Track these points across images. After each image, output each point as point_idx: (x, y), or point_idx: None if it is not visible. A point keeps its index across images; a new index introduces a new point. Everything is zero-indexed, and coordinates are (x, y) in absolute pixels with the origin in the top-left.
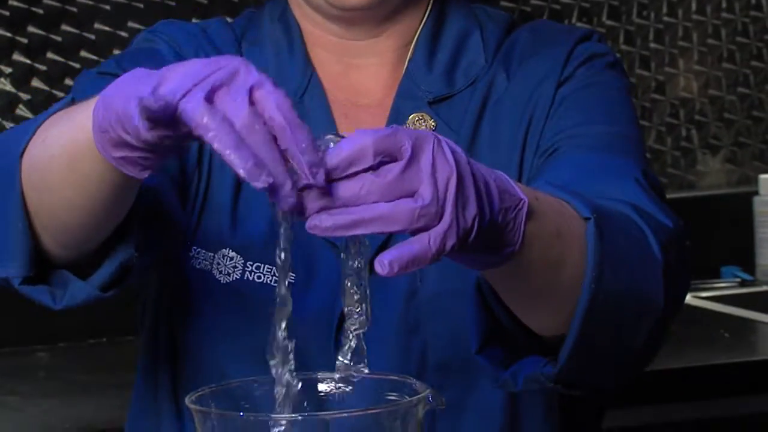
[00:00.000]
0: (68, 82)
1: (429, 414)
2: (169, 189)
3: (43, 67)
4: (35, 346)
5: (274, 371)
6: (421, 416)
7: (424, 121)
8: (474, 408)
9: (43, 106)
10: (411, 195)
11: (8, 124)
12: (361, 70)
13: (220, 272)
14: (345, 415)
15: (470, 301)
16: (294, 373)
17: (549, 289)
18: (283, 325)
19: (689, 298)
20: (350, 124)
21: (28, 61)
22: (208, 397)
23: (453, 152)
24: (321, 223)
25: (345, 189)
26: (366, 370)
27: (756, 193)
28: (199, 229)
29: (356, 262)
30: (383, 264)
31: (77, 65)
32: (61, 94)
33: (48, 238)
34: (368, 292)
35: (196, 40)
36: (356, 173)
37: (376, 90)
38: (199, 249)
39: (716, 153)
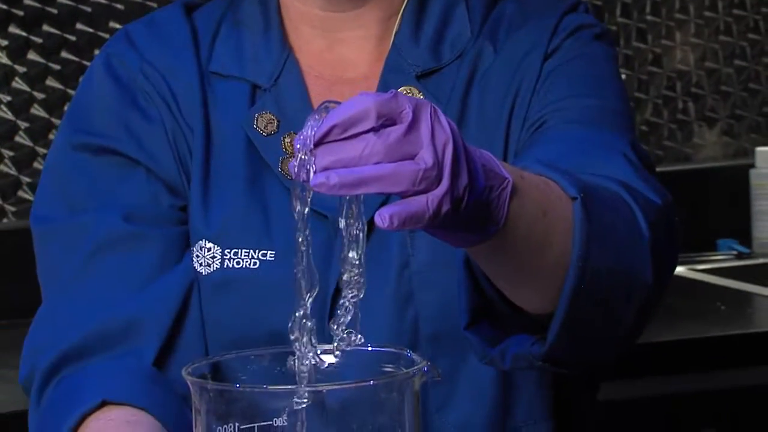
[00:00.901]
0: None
1: (422, 385)
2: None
3: (57, 67)
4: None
5: (297, 348)
6: (417, 388)
7: (412, 95)
8: (466, 379)
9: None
10: (411, 158)
11: (22, 124)
12: (346, 44)
13: (201, 264)
14: (341, 387)
15: (459, 277)
16: (317, 351)
17: (535, 267)
18: (309, 300)
19: (685, 271)
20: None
21: (43, 60)
22: (204, 369)
23: (448, 122)
24: (328, 180)
25: (349, 149)
26: (362, 340)
27: (752, 165)
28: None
29: (355, 228)
30: (383, 217)
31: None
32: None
33: None
34: (364, 259)
35: (151, 44)
36: (357, 135)
37: (362, 63)
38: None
39: (713, 125)
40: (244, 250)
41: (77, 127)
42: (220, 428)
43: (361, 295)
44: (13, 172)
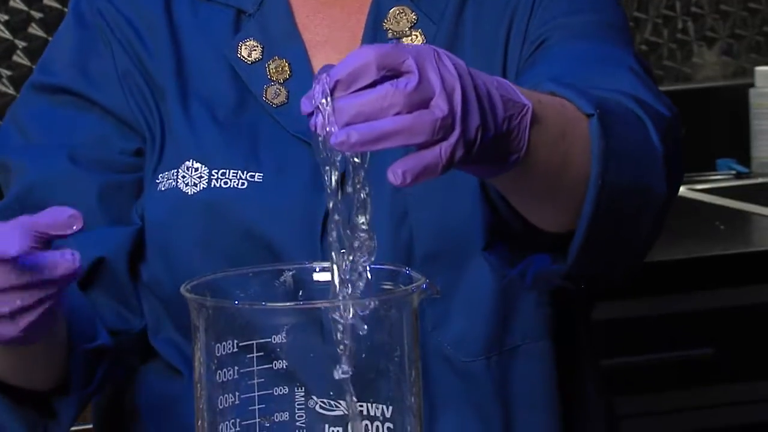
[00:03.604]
0: None
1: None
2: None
3: None
4: None
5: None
6: (416, 305)
7: (405, 15)
8: (462, 298)
9: None
10: (426, 107)
11: None
12: None
13: (186, 184)
14: (339, 304)
15: (475, 199)
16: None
17: (554, 189)
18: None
19: (684, 191)
20: (324, 23)
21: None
22: (203, 287)
23: (454, 65)
24: (349, 138)
25: (369, 102)
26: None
27: (752, 85)
28: (162, 159)
29: (361, 194)
30: (396, 174)
31: None
32: None
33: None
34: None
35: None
36: (363, 89)
37: None
38: (162, 173)
39: (712, 45)
40: (231, 171)
41: (40, 69)
42: (219, 345)
43: (373, 259)
44: None
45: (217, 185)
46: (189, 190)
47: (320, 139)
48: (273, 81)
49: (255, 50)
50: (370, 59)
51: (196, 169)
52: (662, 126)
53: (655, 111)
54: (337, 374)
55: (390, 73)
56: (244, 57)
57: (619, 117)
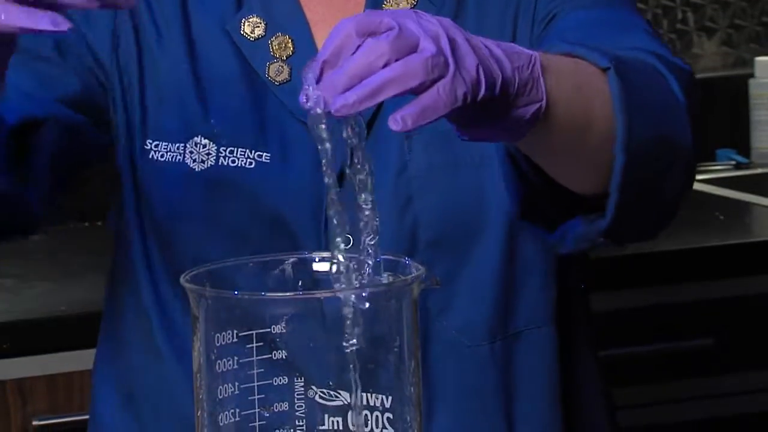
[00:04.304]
0: None
1: (420, 292)
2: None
3: None
4: None
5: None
6: (416, 295)
7: None
8: (466, 283)
9: None
10: (414, 52)
11: None
12: None
13: (194, 161)
14: (339, 294)
15: (504, 170)
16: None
17: (582, 147)
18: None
19: None
20: (324, 2)
21: None
22: (203, 276)
23: (437, 19)
24: (347, 100)
25: (356, 61)
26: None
27: (752, 75)
28: (151, 121)
29: (362, 174)
30: (396, 120)
31: None
32: None
33: None
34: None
35: None
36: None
37: None
38: (158, 141)
39: (712, 35)
40: (240, 149)
41: None
42: (219, 335)
43: (377, 237)
44: None
45: (225, 163)
46: (196, 167)
47: (322, 126)
48: (276, 58)
49: (258, 27)
50: (349, 29)
51: (204, 146)
52: (684, 78)
53: (675, 64)
54: (348, 347)
55: (372, 36)
56: (246, 33)
57: (638, 69)
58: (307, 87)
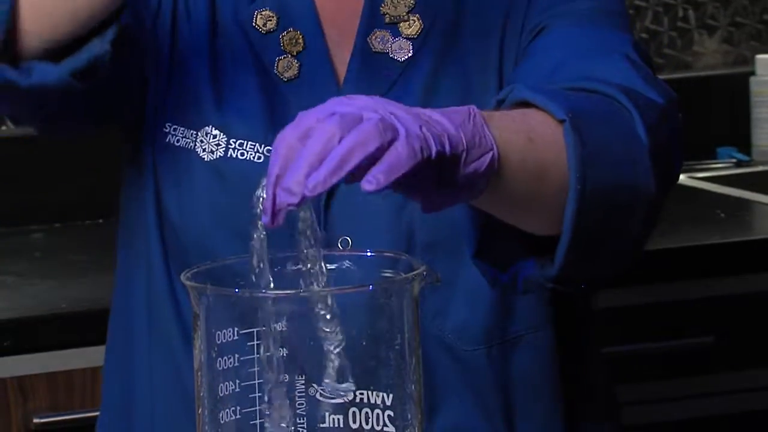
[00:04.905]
0: None
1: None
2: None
3: None
4: (31, 227)
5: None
6: (416, 293)
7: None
8: (463, 286)
9: None
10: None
11: None
12: None
13: (204, 150)
14: (340, 291)
15: (462, 207)
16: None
17: (537, 196)
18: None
19: (685, 178)
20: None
21: None
22: (203, 274)
23: (369, 97)
24: (318, 178)
25: (312, 150)
26: (352, 389)
27: (752, 73)
28: (172, 103)
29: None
30: (370, 181)
31: None
32: None
33: (28, 24)
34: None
35: None
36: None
37: None
38: (176, 126)
39: (713, 33)
40: (249, 143)
41: None
42: (220, 333)
43: (342, 345)
44: None
45: (233, 155)
46: (206, 156)
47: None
48: (285, 53)
49: (270, 20)
50: (288, 139)
51: (215, 136)
52: (653, 116)
53: (646, 101)
54: (331, 351)
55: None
56: (259, 26)
57: (597, 117)
58: (267, 207)
